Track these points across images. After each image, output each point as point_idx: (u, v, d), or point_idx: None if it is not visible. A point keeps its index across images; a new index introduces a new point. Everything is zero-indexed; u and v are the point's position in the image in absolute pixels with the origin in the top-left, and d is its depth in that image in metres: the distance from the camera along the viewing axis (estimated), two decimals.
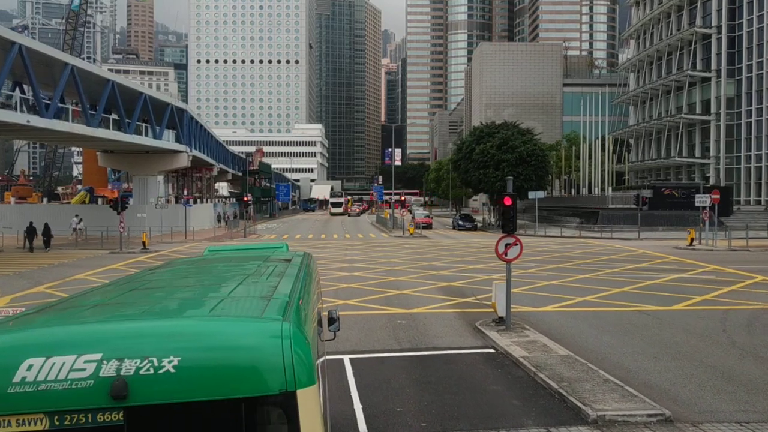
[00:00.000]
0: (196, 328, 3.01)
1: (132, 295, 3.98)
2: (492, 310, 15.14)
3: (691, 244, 34.40)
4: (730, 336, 13.57)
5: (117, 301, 3.76)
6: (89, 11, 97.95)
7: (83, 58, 60.45)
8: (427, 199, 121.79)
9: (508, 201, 13.62)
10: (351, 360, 11.57)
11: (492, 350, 12.45)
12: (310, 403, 2.89)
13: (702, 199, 34.07)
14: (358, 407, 9.13)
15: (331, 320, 6.63)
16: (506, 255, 13.65)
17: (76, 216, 44.08)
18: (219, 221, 64.00)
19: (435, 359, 11.85)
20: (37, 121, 31.62)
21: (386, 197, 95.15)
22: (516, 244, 13.61)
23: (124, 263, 28.80)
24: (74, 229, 42.47)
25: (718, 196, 34.31)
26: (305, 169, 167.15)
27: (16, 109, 31.97)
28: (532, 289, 19.67)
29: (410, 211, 68.76)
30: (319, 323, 5.08)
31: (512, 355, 11.75)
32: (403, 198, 57.67)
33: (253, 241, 44.63)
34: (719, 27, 66.86)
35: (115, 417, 2.72)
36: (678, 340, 13.24)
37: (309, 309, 4.09)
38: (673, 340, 13.18)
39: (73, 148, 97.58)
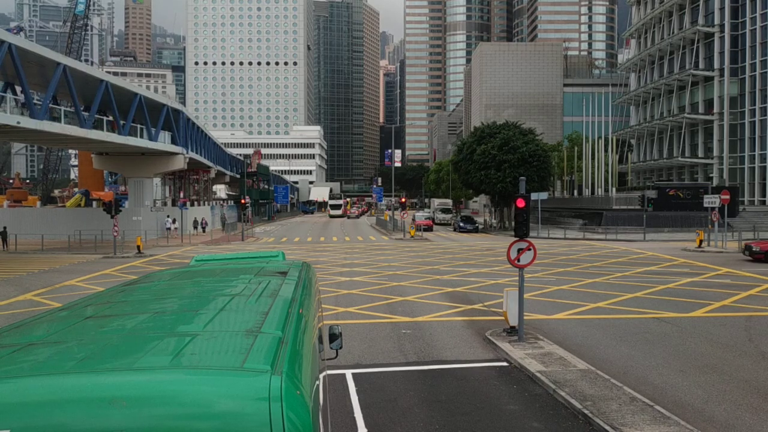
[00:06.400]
0: (149, 387, 2.14)
1: (82, 329, 3.11)
2: (502, 318, 14.32)
3: (700, 246, 33.55)
4: (757, 346, 12.73)
5: (58, 339, 2.89)
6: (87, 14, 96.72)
7: (82, 61, 59.46)
8: (426, 200, 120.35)
9: (521, 203, 12.76)
10: (354, 375, 10.74)
11: (505, 363, 11.60)
12: None
13: (711, 200, 33.23)
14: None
15: (333, 336, 5.88)
16: (519, 261, 12.80)
17: (168, 216, 48.47)
18: (195, 227, 53.93)
19: (444, 374, 11.00)
20: (27, 122, 30.73)
21: (385, 200, 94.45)
22: (529, 249, 12.76)
23: (117, 268, 27.92)
24: (167, 229, 46.92)
25: (728, 197, 33.48)
26: (304, 171, 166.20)
27: (6, 111, 31.12)
28: (542, 295, 18.82)
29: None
30: (320, 340, 4.37)
31: (528, 369, 10.90)
32: (403, 200, 56.76)
33: (251, 244, 43.75)
34: (722, 25, 66.14)
35: None
36: (703, 350, 12.40)
37: (308, 340, 3.23)
38: (697, 351, 12.34)
39: (71, 151, 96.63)
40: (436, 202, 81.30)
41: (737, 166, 65.74)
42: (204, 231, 56.04)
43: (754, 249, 27.87)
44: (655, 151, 76.45)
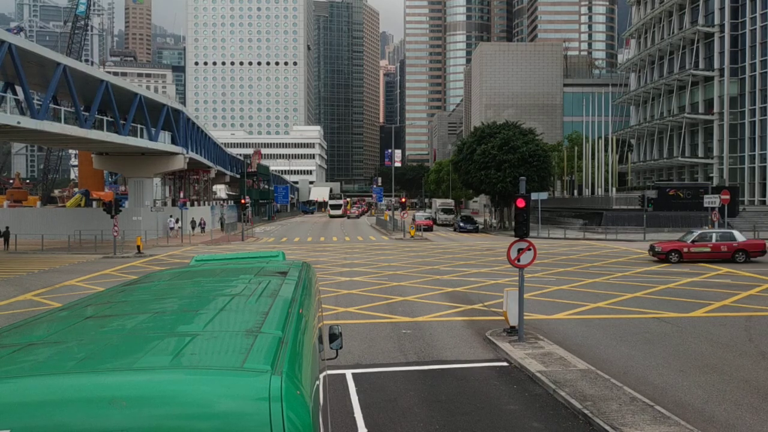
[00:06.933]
0: (149, 387, 2.14)
1: (82, 329, 3.11)
2: (502, 318, 14.32)
3: None
4: (757, 346, 12.73)
5: (58, 339, 2.89)
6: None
7: (82, 61, 59.45)
8: (427, 201, 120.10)
9: (521, 203, 12.76)
10: (354, 375, 10.73)
11: (505, 363, 11.60)
12: None
13: (711, 200, 33.25)
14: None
15: (333, 336, 5.88)
16: (519, 261, 12.80)
17: (171, 216, 49.37)
18: (193, 228, 51.94)
19: (444, 374, 11.00)
20: (27, 122, 30.73)
21: (385, 200, 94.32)
22: (529, 249, 12.76)
23: (117, 268, 27.92)
24: (171, 228, 47.53)
25: (728, 197, 33.48)
26: (304, 171, 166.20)
27: (6, 111, 31.12)
28: (542, 295, 18.82)
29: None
30: (320, 340, 4.37)
31: (528, 369, 10.90)
32: (403, 200, 56.77)
33: (251, 244, 43.76)
34: (722, 25, 66.13)
35: None
36: (703, 350, 12.40)
37: (308, 340, 3.23)
38: (697, 351, 12.34)
39: (71, 151, 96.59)
40: (438, 202, 78.47)
41: (737, 166, 65.74)
42: (203, 231, 55.88)
43: (656, 249, 27.92)
44: (655, 151, 76.46)
